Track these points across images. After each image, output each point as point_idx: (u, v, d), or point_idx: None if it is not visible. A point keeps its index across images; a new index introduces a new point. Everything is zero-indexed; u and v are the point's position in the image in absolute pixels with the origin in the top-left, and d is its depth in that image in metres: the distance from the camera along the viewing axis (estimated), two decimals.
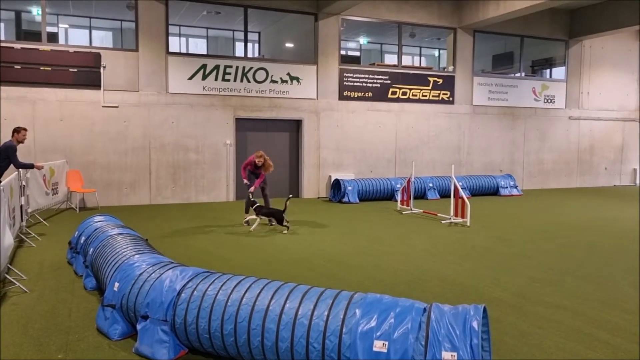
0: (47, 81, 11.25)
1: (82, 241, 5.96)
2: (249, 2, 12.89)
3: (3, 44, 10.90)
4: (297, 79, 13.53)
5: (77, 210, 11.07)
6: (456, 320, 3.02)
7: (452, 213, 9.97)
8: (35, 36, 12.55)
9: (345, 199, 12.76)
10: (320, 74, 13.80)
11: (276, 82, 13.31)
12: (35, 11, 13.43)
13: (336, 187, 13.24)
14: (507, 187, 14.77)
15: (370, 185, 13.19)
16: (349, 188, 12.86)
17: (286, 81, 13.41)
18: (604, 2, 15.58)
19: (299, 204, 12.32)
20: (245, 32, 13.38)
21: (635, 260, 6.97)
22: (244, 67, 12.98)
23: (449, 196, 10.34)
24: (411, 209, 11.27)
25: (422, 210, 11.10)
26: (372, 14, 14.30)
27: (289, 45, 17.23)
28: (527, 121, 16.69)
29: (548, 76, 18.08)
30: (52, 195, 10.36)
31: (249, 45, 17.95)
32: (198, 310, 3.64)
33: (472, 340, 2.92)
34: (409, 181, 11.52)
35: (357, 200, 12.88)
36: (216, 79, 12.73)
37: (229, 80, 12.85)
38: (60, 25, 16.46)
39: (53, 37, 14.39)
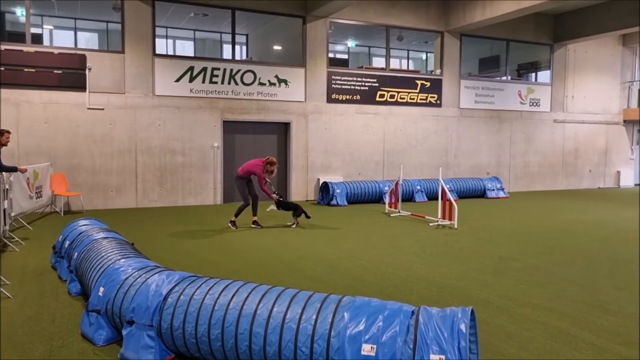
0: (31, 83, 11.11)
1: (66, 245, 5.88)
2: (236, 4, 12.86)
3: None
4: (285, 81, 13.51)
5: (62, 214, 10.93)
6: (444, 322, 3.02)
7: (439, 215, 10.01)
8: (19, 37, 12.39)
9: (334, 202, 12.76)
10: (309, 77, 13.80)
11: (264, 84, 13.27)
12: (19, 12, 13.29)
13: (324, 190, 13.22)
14: (494, 190, 14.88)
15: (359, 188, 13.20)
16: (338, 191, 12.86)
17: (274, 84, 13.38)
18: (588, 7, 15.80)
19: None
20: (233, 34, 13.34)
21: (619, 262, 7.05)
22: (231, 70, 12.93)
23: (437, 198, 10.38)
24: (399, 212, 11.30)
25: (410, 213, 11.13)
26: (360, 17, 14.34)
27: (277, 47, 17.23)
28: (513, 124, 16.84)
29: (533, 80, 18.28)
30: (36, 198, 10.22)
31: (237, 47, 17.94)
32: (185, 314, 3.60)
33: (460, 342, 2.92)
34: (397, 184, 11.55)
35: (346, 203, 12.88)
36: (203, 81, 12.67)
37: (216, 82, 12.79)
38: (45, 26, 16.29)
39: (37, 39, 14.24)
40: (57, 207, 11.26)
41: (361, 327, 3.09)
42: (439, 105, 15.55)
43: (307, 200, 13.78)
